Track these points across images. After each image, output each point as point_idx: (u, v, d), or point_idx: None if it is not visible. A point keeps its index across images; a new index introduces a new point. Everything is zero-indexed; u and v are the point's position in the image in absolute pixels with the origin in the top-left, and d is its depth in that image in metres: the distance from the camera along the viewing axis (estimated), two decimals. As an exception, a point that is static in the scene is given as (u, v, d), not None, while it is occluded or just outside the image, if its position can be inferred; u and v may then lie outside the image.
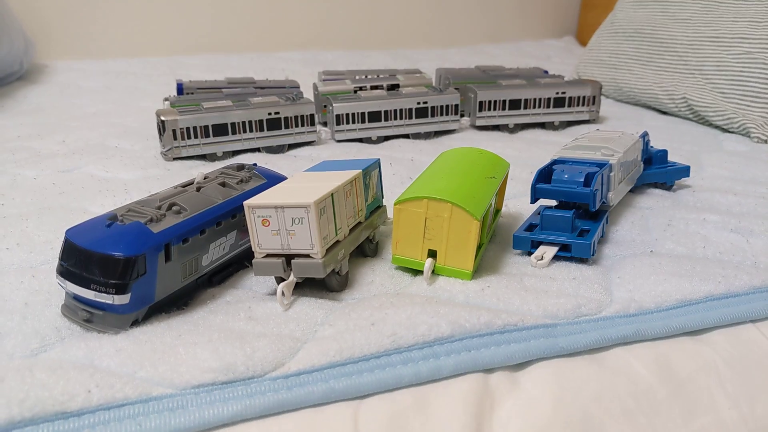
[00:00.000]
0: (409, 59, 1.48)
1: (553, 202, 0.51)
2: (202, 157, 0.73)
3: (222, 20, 1.49)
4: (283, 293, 0.38)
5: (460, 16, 1.71)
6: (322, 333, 0.36)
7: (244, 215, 0.41)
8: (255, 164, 0.49)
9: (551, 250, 0.45)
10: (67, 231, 0.37)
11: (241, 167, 0.48)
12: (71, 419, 0.29)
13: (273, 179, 0.47)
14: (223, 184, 0.44)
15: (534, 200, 0.48)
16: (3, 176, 0.66)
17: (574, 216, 0.46)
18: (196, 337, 0.34)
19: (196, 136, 0.71)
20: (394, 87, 0.90)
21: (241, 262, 0.45)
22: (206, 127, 0.72)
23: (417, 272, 0.44)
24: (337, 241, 0.41)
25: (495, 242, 0.49)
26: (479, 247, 0.45)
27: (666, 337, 0.38)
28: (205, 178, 0.45)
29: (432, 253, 0.43)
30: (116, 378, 0.31)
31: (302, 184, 0.41)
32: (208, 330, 0.35)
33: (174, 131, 0.70)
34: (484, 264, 0.45)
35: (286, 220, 0.38)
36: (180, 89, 0.87)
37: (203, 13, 1.48)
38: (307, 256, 0.39)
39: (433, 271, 0.43)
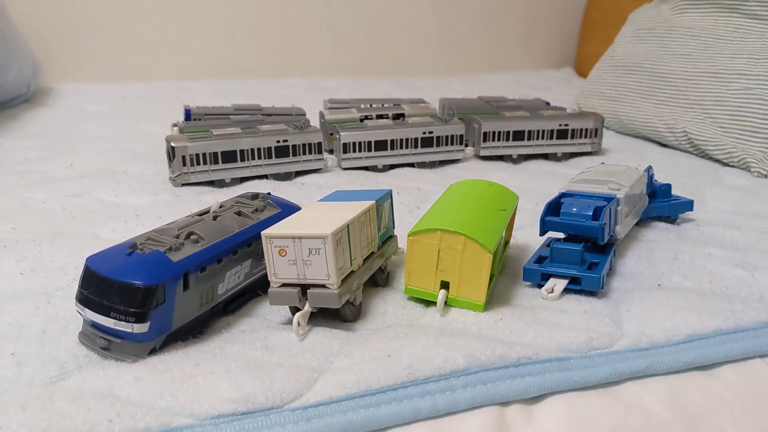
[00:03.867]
0: (411, 87, 1.50)
1: (561, 234, 0.52)
2: (211, 183, 0.74)
3: (227, 46, 1.51)
4: (299, 323, 0.39)
5: (462, 45, 1.74)
6: (339, 364, 0.36)
7: (259, 244, 0.41)
8: (269, 193, 0.49)
9: (561, 283, 0.46)
10: (88, 258, 0.38)
11: (255, 196, 0.48)
12: (93, 449, 0.29)
13: (287, 209, 0.48)
14: (240, 213, 0.45)
15: (543, 233, 0.49)
16: (13, 199, 0.67)
17: (584, 249, 0.47)
18: (214, 366, 0.35)
19: (205, 163, 0.72)
20: (399, 116, 0.92)
21: (254, 290, 0.45)
22: (215, 153, 0.72)
23: (430, 303, 0.44)
24: (352, 272, 0.42)
25: (505, 273, 0.50)
26: (491, 279, 0.46)
27: (677, 371, 0.39)
28: (220, 207, 0.45)
29: (444, 285, 0.43)
30: (137, 407, 0.31)
31: (318, 215, 0.42)
32: (225, 359, 0.36)
33: (183, 157, 0.71)
34: (495, 295, 0.46)
35: (303, 251, 0.38)
36: (188, 115, 0.88)
37: (208, 39, 1.50)
38: (323, 286, 0.39)
39: (445, 303, 0.43)
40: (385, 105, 0.95)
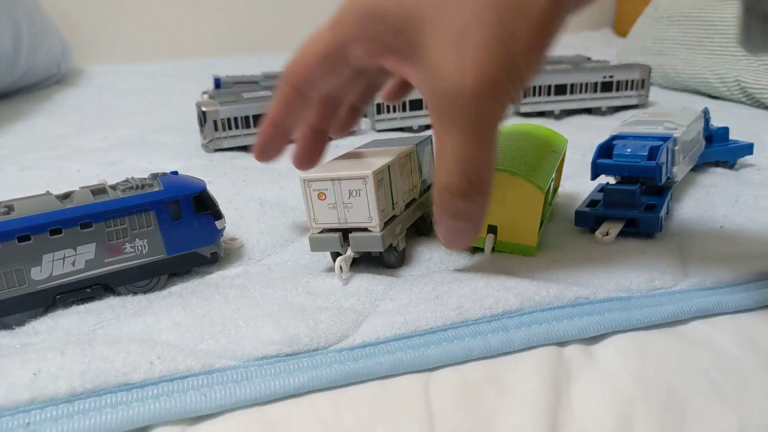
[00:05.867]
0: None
1: (614, 180, 0.49)
2: (244, 148, 0.72)
3: (255, 22, 1.50)
4: (341, 268, 0.37)
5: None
6: (384, 307, 0.34)
7: (106, 225, 0.36)
8: (176, 172, 0.41)
9: (617, 226, 0.43)
10: None
11: (155, 176, 0.40)
12: (134, 391, 0.28)
13: (174, 188, 0.39)
14: (103, 191, 0.37)
15: (594, 177, 0.46)
16: (48, 170, 0.67)
17: (639, 189, 0.44)
18: (256, 311, 0.33)
19: (237, 127, 0.71)
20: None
21: (109, 286, 0.38)
22: (247, 117, 0.71)
23: (476, 249, 0.42)
24: (394, 216, 0.40)
25: (555, 221, 0.47)
26: (540, 224, 0.43)
27: (746, 310, 0.36)
28: (110, 186, 0.38)
29: (492, 229, 0.41)
30: (178, 350, 0.30)
31: (357, 159, 0.40)
32: (267, 304, 0.34)
33: (215, 122, 0.70)
34: (545, 242, 0.43)
35: (343, 193, 0.37)
36: (218, 84, 0.87)
37: (236, 16, 1.49)
38: (365, 229, 0.37)
39: (493, 249, 0.41)
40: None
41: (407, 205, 0.42)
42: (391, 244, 0.39)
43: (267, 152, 0.40)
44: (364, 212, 0.37)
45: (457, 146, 0.30)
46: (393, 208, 0.39)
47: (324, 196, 0.37)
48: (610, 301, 0.35)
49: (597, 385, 0.30)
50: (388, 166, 0.38)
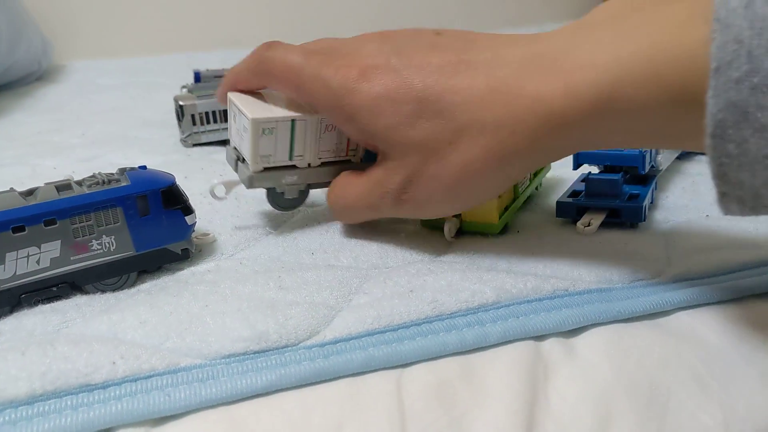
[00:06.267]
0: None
1: (597, 169, 0.48)
2: (222, 142, 0.71)
3: (237, 15, 1.48)
4: (223, 185, 0.43)
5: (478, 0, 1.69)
6: (358, 301, 0.33)
7: (71, 222, 0.35)
8: (144, 167, 0.39)
9: (599, 216, 0.42)
10: None
11: (122, 170, 0.38)
12: (96, 392, 0.27)
13: (140, 183, 0.37)
14: (68, 187, 0.36)
15: (576, 166, 0.45)
16: (23, 167, 0.65)
17: (623, 179, 0.43)
18: (224, 307, 0.32)
19: (216, 121, 0.70)
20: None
21: (77, 285, 0.36)
22: (225, 111, 0.70)
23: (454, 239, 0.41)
24: (293, 167, 0.41)
25: (536, 212, 0.46)
26: (513, 202, 0.43)
27: (731, 300, 0.35)
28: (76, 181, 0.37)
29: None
30: (142, 349, 0.29)
31: (282, 102, 0.41)
32: (236, 300, 0.33)
33: (193, 116, 0.68)
34: (525, 232, 0.42)
35: (240, 124, 0.40)
36: (198, 78, 0.86)
37: (218, 9, 1.47)
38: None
39: (461, 231, 0.41)
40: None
41: (330, 164, 0.43)
42: (275, 189, 0.41)
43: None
44: (247, 148, 0.39)
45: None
46: (290, 159, 0.41)
47: (235, 120, 0.42)
48: (590, 292, 0.34)
49: (576, 379, 0.30)
50: (292, 120, 0.39)
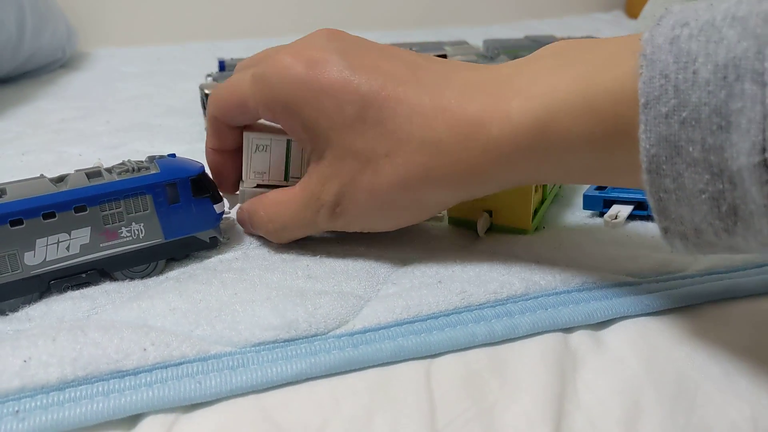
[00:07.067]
0: (452, 36, 1.44)
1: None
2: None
3: (261, 3, 1.48)
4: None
5: (502, -9, 1.67)
6: (386, 291, 0.34)
7: (101, 209, 0.35)
8: (174, 154, 0.40)
9: (626, 209, 0.42)
10: None
11: (152, 158, 0.38)
12: (127, 378, 0.27)
13: (169, 172, 0.38)
14: (98, 174, 0.36)
15: (603, 158, 0.45)
16: (49, 154, 0.66)
17: (651, 171, 0.43)
18: (254, 295, 0.33)
19: (240, 110, 0.70)
20: (441, 57, 0.87)
21: (106, 272, 0.37)
22: (250, 100, 0.70)
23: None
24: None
25: (562, 204, 0.46)
26: (542, 203, 0.42)
27: (761, 294, 0.35)
28: (106, 169, 0.37)
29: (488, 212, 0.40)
30: (172, 336, 0.29)
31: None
32: (265, 288, 0.33)
33: (218, 105, 0.69)
34: (551, 225, 0.42)
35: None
36: (222, 66, 0.86)
37: (241, -2, 1.47)
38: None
39: (490, 229, 0.41)
40: (426, 47, 0.91)
41: None
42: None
43: (223, 181, 0.43)
44: (243, 163, 0.40)
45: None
46: (286, 179, 0.40)
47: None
48: (618, 285, 0.34)
49: (604, 372, 0.29)
50: (288, 140, 0.39)
